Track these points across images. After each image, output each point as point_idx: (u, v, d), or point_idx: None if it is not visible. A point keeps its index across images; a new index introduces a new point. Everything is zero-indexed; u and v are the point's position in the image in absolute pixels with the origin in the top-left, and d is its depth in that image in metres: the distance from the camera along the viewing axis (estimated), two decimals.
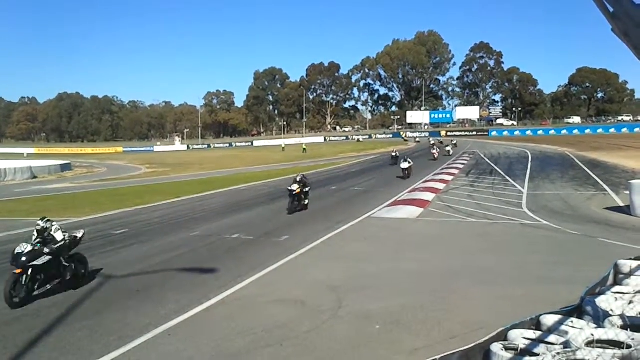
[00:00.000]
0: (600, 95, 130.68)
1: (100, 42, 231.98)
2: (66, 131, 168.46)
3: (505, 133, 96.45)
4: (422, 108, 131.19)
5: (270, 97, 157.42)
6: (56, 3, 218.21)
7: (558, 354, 3.78)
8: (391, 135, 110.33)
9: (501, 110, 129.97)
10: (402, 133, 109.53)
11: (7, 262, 10.97)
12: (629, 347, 3.78)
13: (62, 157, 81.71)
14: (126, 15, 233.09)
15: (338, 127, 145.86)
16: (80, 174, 49.41)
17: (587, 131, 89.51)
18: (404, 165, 29.53)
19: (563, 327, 4.55)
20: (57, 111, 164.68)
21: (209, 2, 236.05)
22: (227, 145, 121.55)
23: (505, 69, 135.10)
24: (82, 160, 79.69)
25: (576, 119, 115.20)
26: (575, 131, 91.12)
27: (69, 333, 6.89)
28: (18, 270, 8.01)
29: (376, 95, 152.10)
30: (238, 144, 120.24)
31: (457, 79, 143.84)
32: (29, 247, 8.24)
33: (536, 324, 4.87)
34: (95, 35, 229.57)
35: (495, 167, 34.67)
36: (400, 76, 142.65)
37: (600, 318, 4.72)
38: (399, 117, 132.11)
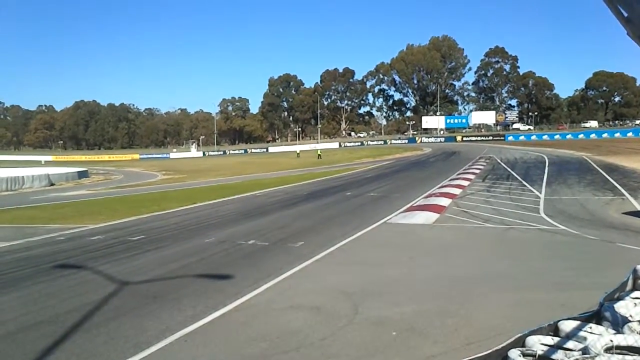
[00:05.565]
0: (617, 99, 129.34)
1: (116, 50, 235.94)
2: (83, 138, 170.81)
3: (522, 138, 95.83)
4: (438, 113, 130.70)
5: (285, 104, 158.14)
6: (73, 12, 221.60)
7: None
8: (406, 141, 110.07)
9: (517, 115, 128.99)
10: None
11: (28, 268, 11.22)
12: None
13: (79, 164, 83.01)
14: (142, 23, 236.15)
15: (353, 133, 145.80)
16: (97, 181, 49.95)
17: (605, 135, 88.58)
18: None
19: (581, 333, 4.51)
20: (74, 119, 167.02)
21: (224, 9, 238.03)
22: (243, 151, 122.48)
23: (521, 73, 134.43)
24: (99, 167, 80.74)
25: (593, 123, 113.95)
26: (593, 135, 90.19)
27: (86, 339, 6.94)
28: None
29: (391, 101, 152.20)
30: (253, 150, 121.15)
31: (473, 83, 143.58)
32: None
33: (554, 330, 4.83)
34: (112, 43, 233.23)
35: (512, 172, 34.33)
36: (415, 81, 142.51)
37: (619, 324, 4.67)
38: (414, 122, 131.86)
